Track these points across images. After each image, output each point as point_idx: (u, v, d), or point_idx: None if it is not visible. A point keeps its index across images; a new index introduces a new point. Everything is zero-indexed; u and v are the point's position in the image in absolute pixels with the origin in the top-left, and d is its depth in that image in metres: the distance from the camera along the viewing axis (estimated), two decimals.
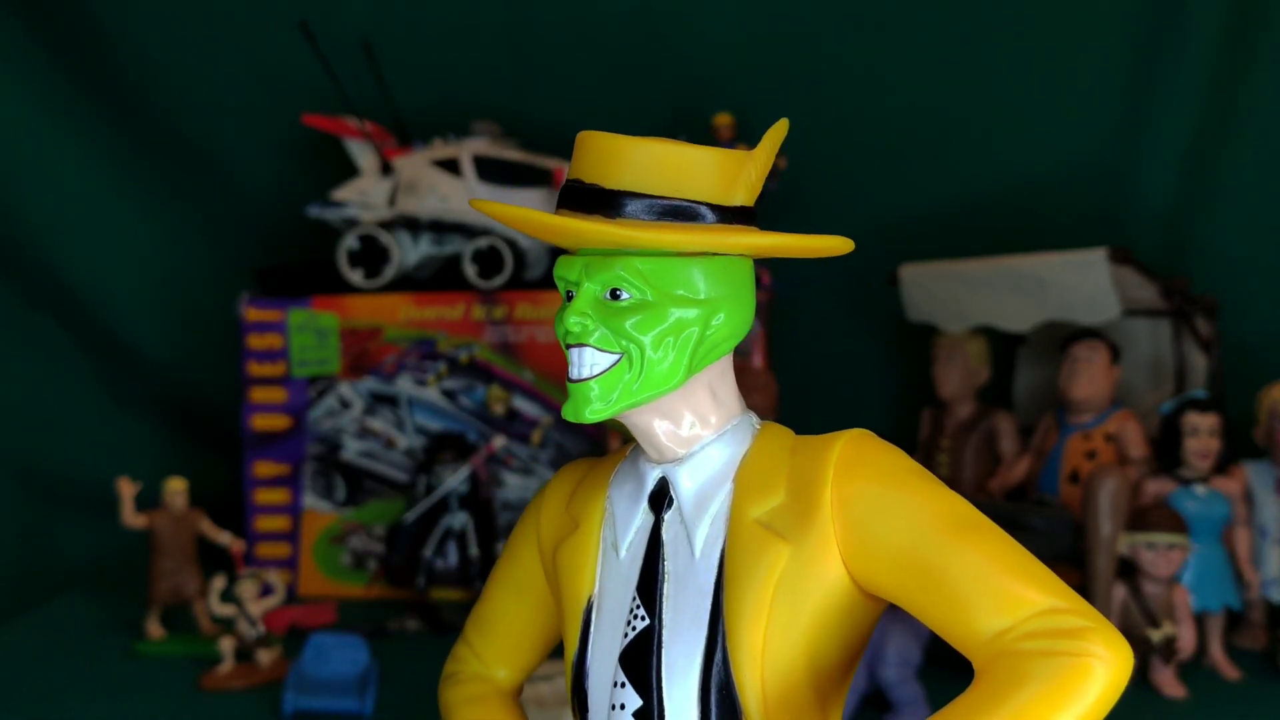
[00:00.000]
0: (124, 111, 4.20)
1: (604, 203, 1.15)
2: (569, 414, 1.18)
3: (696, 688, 1.14)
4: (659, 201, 1.14)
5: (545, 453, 3.73)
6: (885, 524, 1.09)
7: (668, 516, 1.20)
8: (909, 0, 4.04)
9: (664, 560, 1.19)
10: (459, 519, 3.61)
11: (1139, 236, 3.82)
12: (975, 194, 4.09)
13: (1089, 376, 3.32)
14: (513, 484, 3.73)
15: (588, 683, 1.22)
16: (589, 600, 1.23)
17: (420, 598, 3.54)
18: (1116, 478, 2.96)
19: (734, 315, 1.18)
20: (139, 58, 4.16)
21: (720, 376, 1.22)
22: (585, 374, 1.16)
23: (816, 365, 4.11)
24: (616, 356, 1.16)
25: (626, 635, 1.19)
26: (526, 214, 1.15)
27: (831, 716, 1.19)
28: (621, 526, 1.23)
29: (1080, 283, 3.29)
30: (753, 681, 1.11)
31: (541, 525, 1.31)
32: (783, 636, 1.11)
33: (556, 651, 3.21)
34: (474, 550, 3.61)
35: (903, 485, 1.11)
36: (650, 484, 1.22)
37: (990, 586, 1.03)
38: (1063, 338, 3.43)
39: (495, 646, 1.39)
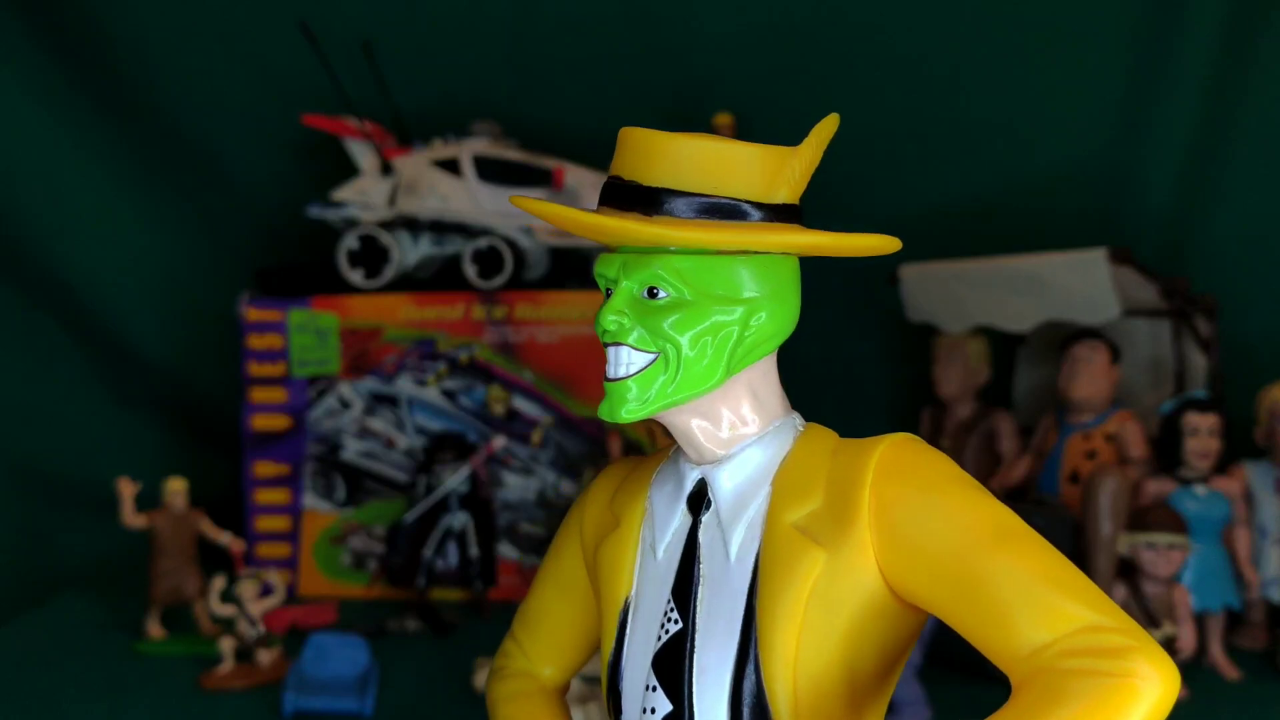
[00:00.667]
0: (124, 111, 4.20)
1: (642, 200, 1.13)
2: (604, 413, 1.16)
3: (727, 694, 1.11)
4: (697, 199, 1.12)
5: (545, 453, 3.73)
6: (923, 531, 1.05)
7: (705, 519, 1.18)
8: (909, 1, 4.05)
9: (699, 563, 1.16)
10: (459, 519, 3.61)
11: (1139, 236, 3.81)
12: (975, 194, 4.09)
13: (1089, 376, 3.32)
14: (513, 484, 3.73)
15: (622, 684, 1.20)
16: (625, 601, 1.21)
17: (420, 598, 3.54)
18: (1116, 478, 2.96)
19: (776, 315, 1.16)
20: (139, 58, 4.16)
21: (762, 377, 1.19)
22: (622, 373, 1.14)
23: (816, 365, 4.11)
24: (653, 356, 1.14)
25: (660, 638, 1.17)
26: (563, 211, 1.14)
27: None
28: (660, 527, 1.21)
29: (1080, 283, 3.29)
30: (785, 689, 1.08)
31: (585, 523, 1.30)
32: (817, 644, 1.08)
33: None
34: (474, 550, 3.61)
35: (943, 492, 1.08)
36: (689, 485, 1.20)
37: (1030, 599, 0.99)
38: (1063, 338, 3.43)
39: (540, 644, 1.37)
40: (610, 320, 1.14)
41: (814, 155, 1.16)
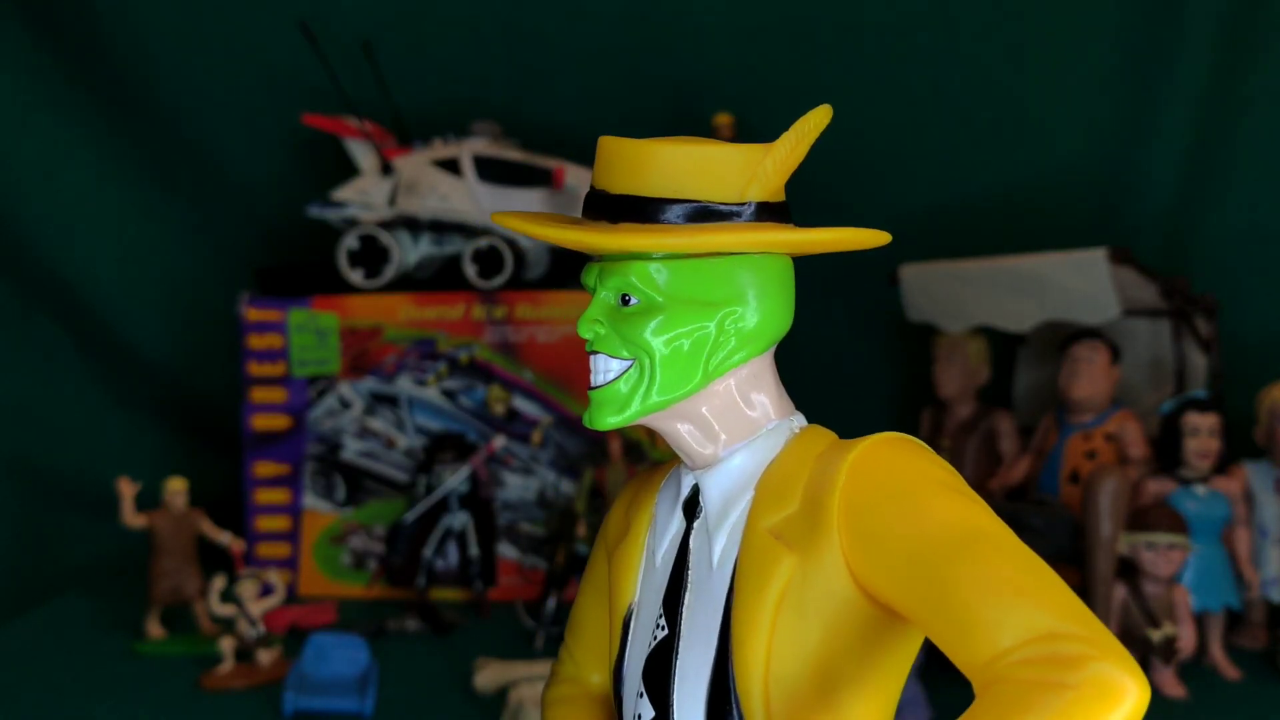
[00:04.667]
0: (124, 111, 4.20)
1: (610, 208, 1.12)
2: (587, 421, 1.15)
3: (704, 701, 1.10)
4: (659, 204, 1.10)
5: (545, 453, 3.73)
6: (890, 534, 1.01)
7: (696, 525, 1.16)
8: (909, 1, 4.05)
9: (688, 569, 1.15)
10: (459, 519, 3.61)
11: (1139, 236, 3.82)
12: (975, 194, 4.09)
13: (1089, 376, 3.32)
14: (513, 484, 3.73)
15: (622, 691, 1.20)
16: (630, 608, 1.21)
17: (420, 598, 3.54)
18: (1116, 478, 2.96)
19: (756, 316, 1.13)
20: (139, 57, 4.16)
21: (753, 379, 1.16)
22: (600, 380, 1.14)
23: (816, 365, 4.09)
24: (629, 363, 1.12)
25: (650, 645, 1.16)
26: (528, 227, 1.13)
27: None
28: (660, 534, 1.20)
29: (1080, 283, 3.29)
30: (759, 696, 1.06)
31: (608, 529, 1.29)
32: (789, 651, 1.05)
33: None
34: (474, 550, 3.61)
35: (913, 493, 1.02)
36: (685, 491, 1.18)
37: (990, 605, 0.93)
38: (1063, 338, 3.43)
39: (585, 651, 1.35)
40: (586, 328, 1.14)
41: (792, 150, 1.12)
